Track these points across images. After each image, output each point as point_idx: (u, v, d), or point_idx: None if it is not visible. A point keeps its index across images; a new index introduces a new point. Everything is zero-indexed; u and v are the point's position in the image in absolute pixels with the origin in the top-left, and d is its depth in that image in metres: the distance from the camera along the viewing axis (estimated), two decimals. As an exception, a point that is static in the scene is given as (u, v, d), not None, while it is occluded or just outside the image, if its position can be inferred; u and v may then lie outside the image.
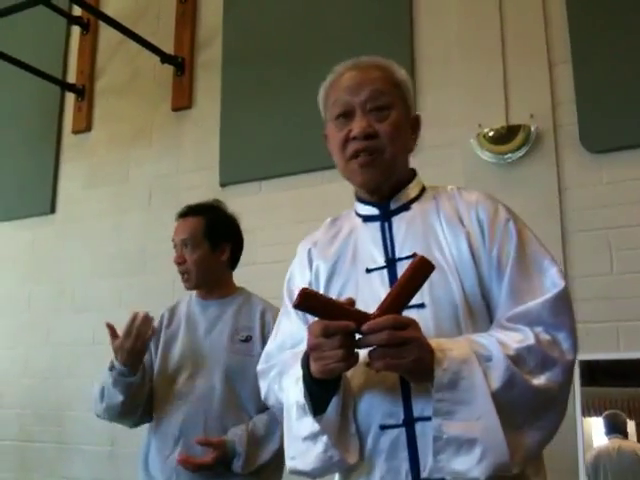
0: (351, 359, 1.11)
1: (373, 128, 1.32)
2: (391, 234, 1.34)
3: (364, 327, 1.08)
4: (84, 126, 3.92)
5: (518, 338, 1.17)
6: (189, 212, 2.29)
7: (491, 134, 2.74)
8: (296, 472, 1.25)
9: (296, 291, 1.17)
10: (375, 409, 1.20)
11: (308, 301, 1.09)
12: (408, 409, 1.18)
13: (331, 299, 1.14)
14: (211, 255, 2.22)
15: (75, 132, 3.95)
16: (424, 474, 1.14)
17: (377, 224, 1.37)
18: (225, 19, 3.59)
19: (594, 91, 2.65)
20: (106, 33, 3.90)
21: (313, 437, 1.18)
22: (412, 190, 1.40)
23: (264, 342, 2.12)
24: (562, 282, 1.23)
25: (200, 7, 3.72)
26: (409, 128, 1.41)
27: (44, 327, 3.74)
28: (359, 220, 1.41)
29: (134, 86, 3.82)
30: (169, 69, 3.65)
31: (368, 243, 1.35)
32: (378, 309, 1.11)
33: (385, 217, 1.37)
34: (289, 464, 1.25)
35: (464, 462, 1.08)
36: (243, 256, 2.34)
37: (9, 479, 3.63)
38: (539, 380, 1.15)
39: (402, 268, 1.21)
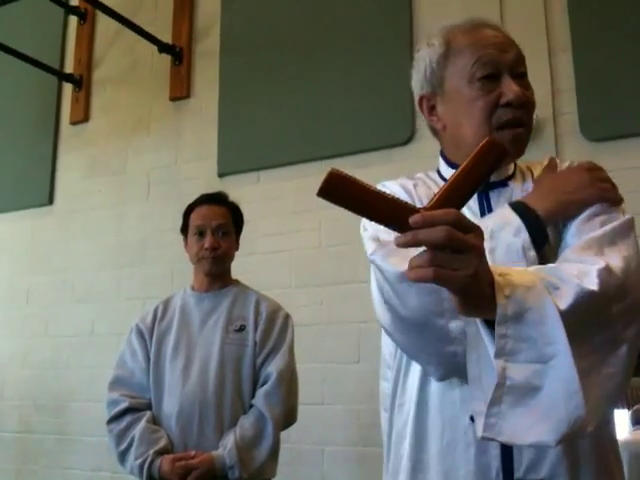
0: None
1: (525, 96, 1.17)
2: (490, 208, 1.18)
3: (413, 218, 0.78)
4: (82, 116, 3.90)
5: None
6: (217, 200, 2.28)
7: (491, 122, 2.72)
8: None
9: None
10: (465, 397, 1.05)
11: (338, 185, 0.79)
12: None
13: (370, 186, 0.81)
14: (235, 246, 2.28)
15: (73, 123, 3.94)
16: (518, 474, 1.00)
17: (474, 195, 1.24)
18: (223, 8, 3.56)
19: (594, 79, 2.64)
20: (104, 23, 3.88)
21: None
22: (510, 166, 1.26)
23: (257, 331, 2.13)
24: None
25: (198, -4, 3.71)
26: None
27: (44, 318, 3.74)
28: None
29: (132, 76, 3.80)
30: (167, 59, 3.63)
31: (465, 213, 1.13)
32: (433, 200, 0.83)
33: (483, 189, 1.20)
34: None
35: (523, 418, 0.86)
36: (242, 246, 2.34)
37: (10, 470, 3.64)
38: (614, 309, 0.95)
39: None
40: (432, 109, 1.25)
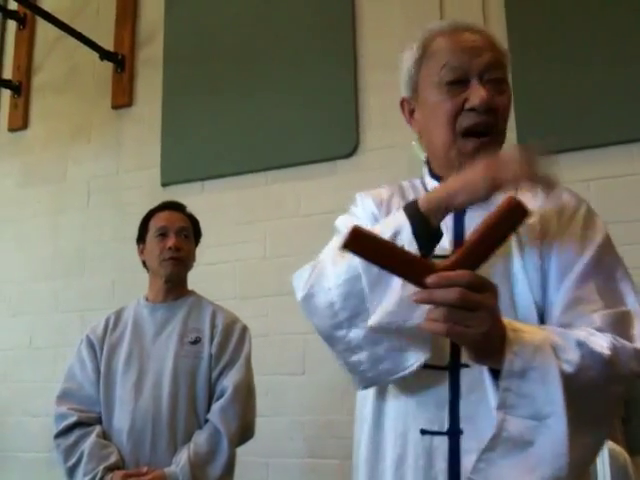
0: None
1: (494, 101, 1.12)
2: (462, 222, 1.14)
3: (430, 279, 0.85)
4: (20, 123, 3.79)
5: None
6: (178, 207, 2.29)
7: (433, 136, 2.77)
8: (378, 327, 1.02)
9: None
10: (417, 410, 1.08)
11: (360, 242, 0.87)
12: (454, 418, 1.04)
13: (389, 242, 0.91)
14: (194, 253, 2.27)
15: (11, 130, 3.83)
16: None
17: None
18: (167, 15, 3.53)
19: (530, 96, 2.71)
20: (43, 28, 3.79)
21: None
22: None
23: (213, 344, 2.10)
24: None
25: (141, 3, 3.66)
26: None
27: (-22, 331, 3.62)
28: None
29: (72, 83, 3.72)
30: (109, 66, 3.57)
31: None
32: (450, 260, 0.89)
33: None
34: (373, 320, 1.02)
35: (510, 469, 0.91)
36: (186, 257, 2.32)
37: (-60, 490, 3.50)
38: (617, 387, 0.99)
39: None
40: (412, 113, 1.25)
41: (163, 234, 2.18)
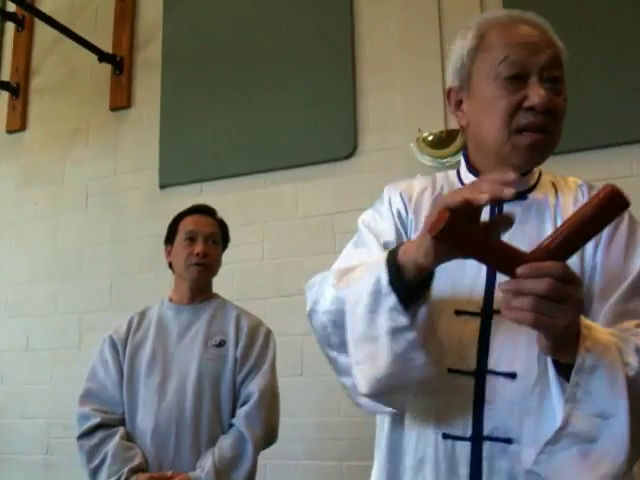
0: None
1: (553, 102, 1.09)
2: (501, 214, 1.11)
3: (522, 269, 0.84)
4: (19, 125, 3.80)
5: None
6: (209, 211, 2.29)
7: (430, 138, 2.78)
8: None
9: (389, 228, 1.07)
10: (440, 414, 1.06)
11: (453, 232, 0.84)
12: (478, 424, 1.03)
13: (480, 232, 0.88)
14: (221, 259, 2.28)
15: (9, 131, 3.83)
16: None
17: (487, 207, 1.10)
18: (165, 18, 3.54)
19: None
20: (42, 30, 3.79)
21: (395, 332, 0.95)
22: (533, 176, 1.18)
23: (237, 347, 2.10)
24: None
25: (139, 5, 3.66)
26: None
27: (-25, 333, 3.61)
28: None
29: (71, 85, 3.73)
30: (107, 68, 3.57)
31: None
32: (541, 249, 0.86)
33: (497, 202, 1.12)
34: (366, 388, 1.00)
35: (570, 464, 0.92)
36: (184, 259, 2.31)
37: (-63, 492, 3.49)
38: None
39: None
40: (459, 104, 1.20)
41: (191, 239, 2.18)
